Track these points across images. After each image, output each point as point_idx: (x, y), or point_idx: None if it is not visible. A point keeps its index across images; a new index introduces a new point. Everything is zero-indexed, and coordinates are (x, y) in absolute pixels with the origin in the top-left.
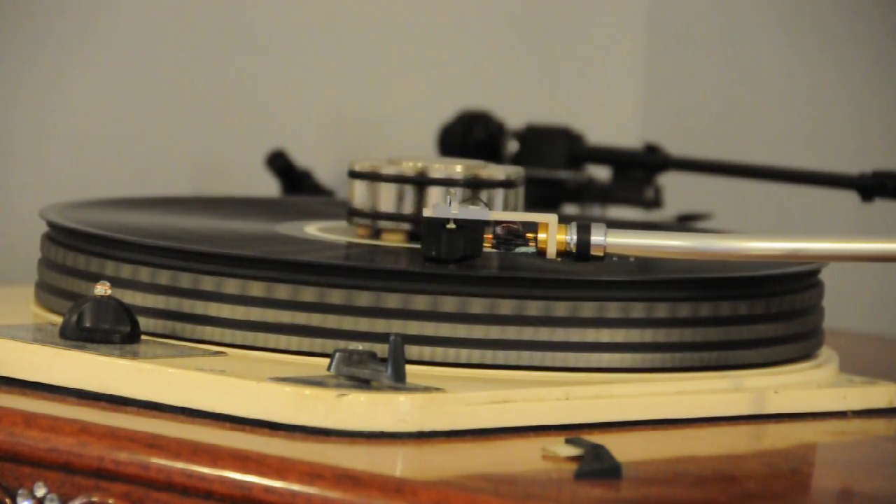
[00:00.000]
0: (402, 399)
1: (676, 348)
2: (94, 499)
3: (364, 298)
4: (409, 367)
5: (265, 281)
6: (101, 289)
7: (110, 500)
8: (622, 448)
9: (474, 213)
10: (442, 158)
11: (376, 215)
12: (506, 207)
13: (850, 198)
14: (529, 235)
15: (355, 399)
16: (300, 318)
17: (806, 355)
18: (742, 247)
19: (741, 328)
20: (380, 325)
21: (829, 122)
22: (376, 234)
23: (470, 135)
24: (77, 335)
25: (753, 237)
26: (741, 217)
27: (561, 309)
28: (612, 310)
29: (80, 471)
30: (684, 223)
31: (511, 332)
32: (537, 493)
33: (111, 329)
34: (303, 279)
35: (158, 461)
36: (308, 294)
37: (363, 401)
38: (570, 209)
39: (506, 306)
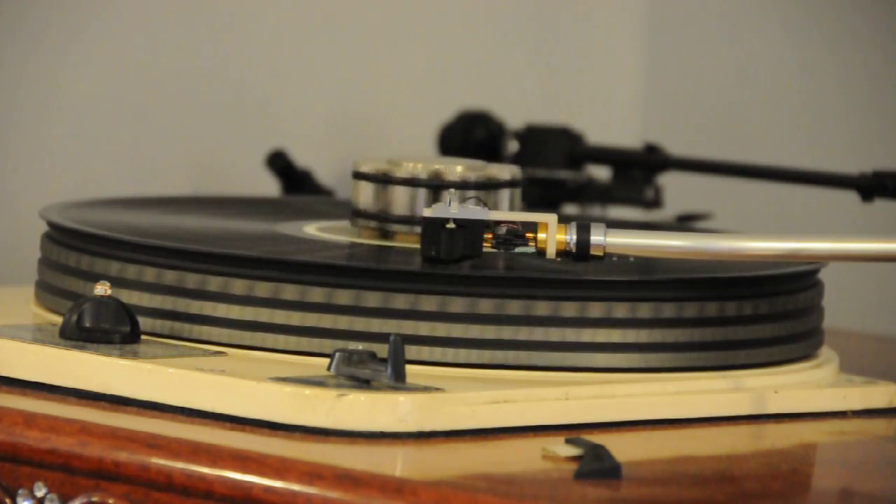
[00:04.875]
0: (402, 399)
1: (676, 348)
2: (94, 499)
3: (364, 298)
4: (409, 367)
5: (265, 281)
6: (101, 289)
7: (110, 500)
8: (622, 448)
9: (474, 212)
10: (442, 158)
11: (376, 216)
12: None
13: (850, 198)
14: (529, 235)
15: (355, 399)
16: (300, 318)
17: (806, 355)
18: (742, 247)
19: (741, 328)
20: (380, 325)
21: (829, 122)
22: (377, 233)
23: (470, 135)
24: (77, 335)
25: (753, 237)
26: (741, 217)
27: (561, 309)
28: (613, 310)
29: (80, 471)
30: (684, 223)
31: (511, 332)
32: (537, 493)
33: (111, 329)
34: (303, 279)
35: (158, 461)
36: (308, 294)
37: (363, 401)
38: (570, 209)
39: (506, 306)
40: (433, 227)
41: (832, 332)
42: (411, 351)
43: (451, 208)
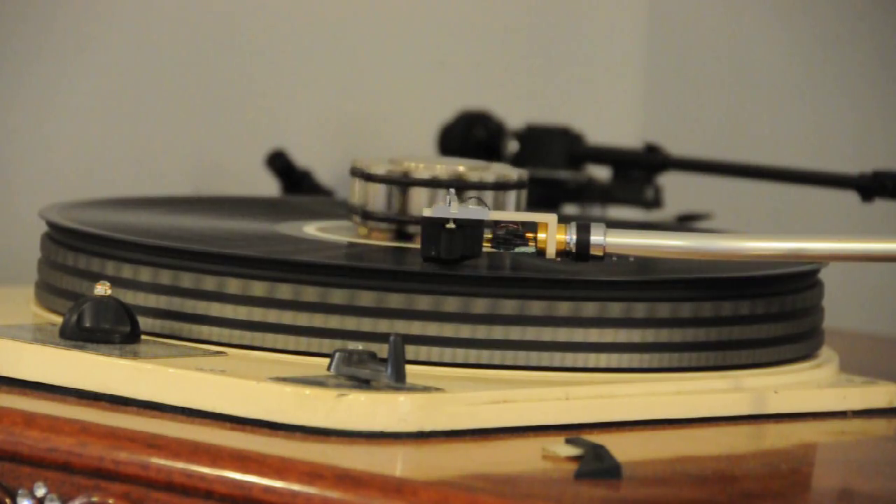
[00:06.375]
0: (402, 399)
1: (676, 348)
2: (94, 499)
3: (364, 298)
4: (409, 367)
5: (265, 281)
6: (101, 289)
7: (110, 500)
8: (622, 448)
9: (473, 212)
10: (441, 158)
11: (377, 215)
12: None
13: (850, 198)
14: (529, 235)
15: (355, 399)
16: (300, 318)
17: (806, 355)
18: (742, 247)
19: (741, 328)
20: (380, 325)
21: (829, 122)
22: (377, 233)
23: (470, 135)
24: (77, 335)
25: (753, 237)
26: (741, 217)
27: (561, 309)
28: (612, 310)
29: (80, 471)
30: (684, 223)
31: (511, 332)
32: (537, 493)
33: (111, 329)
34: (303, 279)
35: (158, 461)
36: (308, 294)
37: (363, 401)
38: (570, 209)
39: (506, 306)
40: (433, 227)
41: (832, 332)
42: (411, 351)
43: (451, 208)
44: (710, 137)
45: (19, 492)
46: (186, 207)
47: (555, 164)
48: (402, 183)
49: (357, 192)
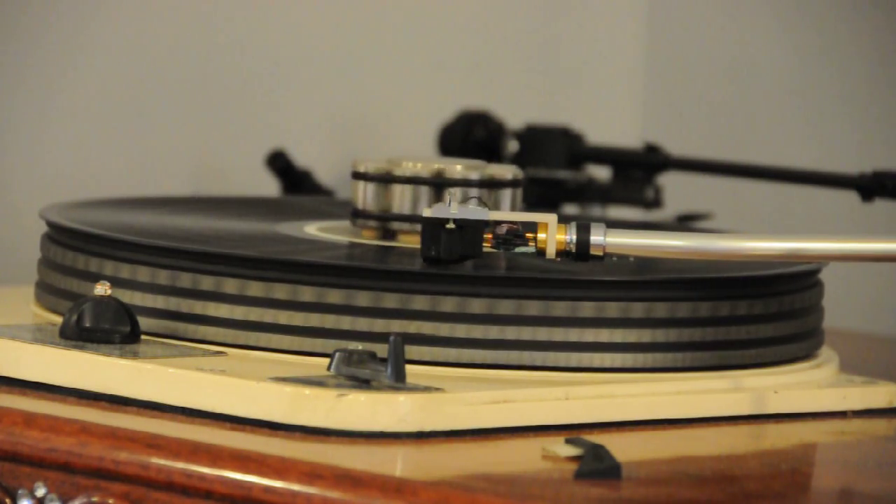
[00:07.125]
0: (402, 399)
1: (676, 348)
2: (94, 499)
3: (364, 298)
4: (409, 367)
5: (265, 281)
6: (101, 289)
7: (110, 500)
8: (622, 448)
9: (473, 213)
10: (440, 158)
11: (378, 216)
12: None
13: (850, 198)
14: (529, 235)
15: (355, 399)
16: (300, 318)
17: (806, 355)
18: (742, 247)
19: (741, 328)
20: (380, 325)
21: (829, 122)
22: (377, 233)
23: (470, 135)
24: (77, 335)
25: (753, 237)
26: (741, 217)
27: (561, 309)
28: (612, 310)
29: (80, 471)
30: (684, 223)
31: (511, 332)
32: (537, 493)
33: (111, 329)
34: (303, 279)
35: (158, 461)
36: (308, 294)
37: (363, 401)
38: (570, 209)
39: (506, 306)
40: (433, 228)
41: (832, 332)
42: (411, 351)
43: (451, 208)
44: (710, 137)
45: (19, 492)
46: (186, 208)
47: (555, 164)
48: (385, 180)
49: (352, 191)
